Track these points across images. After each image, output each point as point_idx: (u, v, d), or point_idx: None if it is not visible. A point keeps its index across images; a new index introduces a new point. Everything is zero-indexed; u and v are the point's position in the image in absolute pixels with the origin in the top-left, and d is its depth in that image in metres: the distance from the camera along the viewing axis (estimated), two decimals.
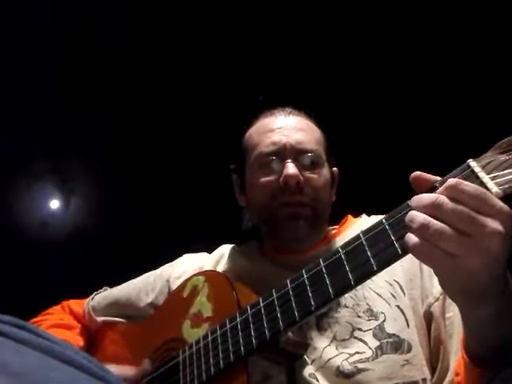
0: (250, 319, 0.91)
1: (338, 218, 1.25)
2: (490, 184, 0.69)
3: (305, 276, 0.86)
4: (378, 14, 2.91)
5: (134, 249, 3.20)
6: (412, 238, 0.68)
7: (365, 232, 0.80)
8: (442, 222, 0.66)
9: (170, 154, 3.39)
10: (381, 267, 0.77)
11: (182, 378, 0.99)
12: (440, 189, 0.69)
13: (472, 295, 0.71)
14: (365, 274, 0.78)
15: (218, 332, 0.95)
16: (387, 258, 0.76)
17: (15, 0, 2.75)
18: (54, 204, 3.88)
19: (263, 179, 1.16)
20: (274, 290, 0.90)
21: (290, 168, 1.13)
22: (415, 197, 0.71)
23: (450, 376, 0.98)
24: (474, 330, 0.77)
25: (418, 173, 0.75)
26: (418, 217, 0.68)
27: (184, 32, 3.07)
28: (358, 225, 1.21)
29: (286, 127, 1.20)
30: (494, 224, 0.64)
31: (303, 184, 1.13)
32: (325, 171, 1.19)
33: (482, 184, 0.69)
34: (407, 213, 0.74)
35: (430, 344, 1.03)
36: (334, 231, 1.25)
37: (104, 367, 0.63)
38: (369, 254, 0.78)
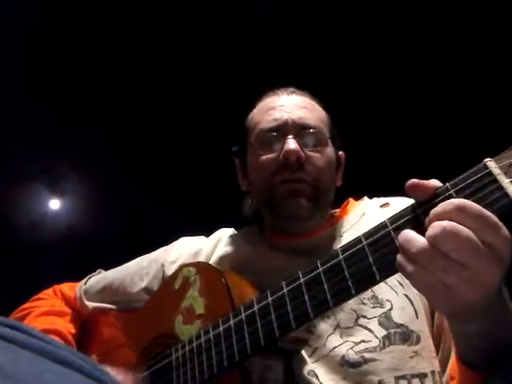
0: (244, 323, 0.85)
1: (338, 201, 1.18)
2: (511, 190, 0.60)
3: (301, 280, 0.79)
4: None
5: (129, 247, 3.18)
6: (408, 266, 0.63)
7: (366, 236, 0.72)
8: (440, 251, 0.60)
9: (165, 150, 3.31)
10: (384, 276, 0.70)
11: (175, 378, 0.95)
12: (442, 208, 0.61)
13: (460, 315, 0.68)
14: (366, 282, 0.71)
15: (211, 333, 0.90)
16: (391, 267, 0.68)
17: (16, 3, 2.62)
18: (47, 204, 3.84)
19: (264, 157, 1.11)
20: (268, 292, 0.84)
21: (291, 143, 1.07)
22: (405, 237, 0.64)
23: (449, 367, 0.94)
24: (460, 340, 0.75)
25: (414, 181, 0.67)
26: (417, 241, 0.62)
27: (185, 19, 2.93)
28: (359, 208, 1.15)
29: (288, 105, 1.15)
30: (494, 256, 0.59)
31: (304, 160, 1.07)
32: (328, 151, 1.13)
33: (501, 189, 0.61)
34: (414, 217, 0.68)
35: (432, 332, 0.99)
36: (335, 215, 1.18)
37: (100, 368, 0.58)
38: (371, 260, 0.70)
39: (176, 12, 2.94)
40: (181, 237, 1.28)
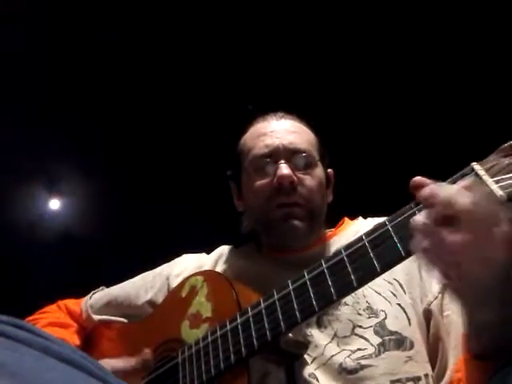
0: (251, 320, 0.90)
1: (335, 222, 1.26)
2: (495, 187, 0.69)
3: (306, 277, 0.86)
4: (376, 14, 2.92)
5: (127, 248, 3.17)
6: (421, 242, 0.69)
7: (367, 234, 0.80)
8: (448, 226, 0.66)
9: (164, 150, 3.36)
10: (384, 269, 0.77)
11: (181, 379, 0.98)
12: (447, 191, 0.69)
13: (474, 298, 0.72)
14: (368, 275, 0.78)
15: (218, 333, 0.95)
16: (390, 260, 0.76)
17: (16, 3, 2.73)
18: (46, 204, 3.84)
19: (258, 182, 1.18)
20: (274, 291, 0.90)
21: (284, 169, 1.14)
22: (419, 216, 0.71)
23: (449, 372, 0.99)
24: (476, 331, 0.78)
25: (418, 179, 0.75)
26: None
27: (179, 42, 3.05)
28: (354, 227, 1.23)
29: (278, 130, 1.22)
30: (498, 230, 0.65)
31: (297, 183, 1.15)
32: (318, 171, 1.21)
33: (487, 187, 0.70)
34: (411, 215, 0.75)
35: (428, 341, 1.05)
36: (329, 233, 1.26)
37: (103, 367, 0.62)
38: (372, 255, 0.78)
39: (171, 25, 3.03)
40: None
